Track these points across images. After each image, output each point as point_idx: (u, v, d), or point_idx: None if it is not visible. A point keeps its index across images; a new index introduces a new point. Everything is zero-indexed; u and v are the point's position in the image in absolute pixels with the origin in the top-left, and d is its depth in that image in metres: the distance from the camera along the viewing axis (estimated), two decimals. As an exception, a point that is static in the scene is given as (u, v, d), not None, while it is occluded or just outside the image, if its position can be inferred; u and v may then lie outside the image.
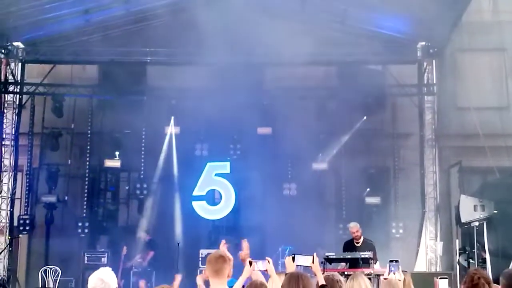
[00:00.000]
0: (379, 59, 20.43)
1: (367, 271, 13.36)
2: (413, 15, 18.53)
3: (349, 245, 15.65)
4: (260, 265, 7.76)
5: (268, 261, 7.73)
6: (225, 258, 6.94)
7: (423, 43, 20.46)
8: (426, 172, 20.27)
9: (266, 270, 7.83)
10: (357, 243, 15.48)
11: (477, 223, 17.12)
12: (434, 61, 20.66)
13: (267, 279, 7.93)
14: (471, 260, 17.10)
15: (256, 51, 19.64)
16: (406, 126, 21.22)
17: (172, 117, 20.96)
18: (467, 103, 19.51)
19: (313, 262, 7.50)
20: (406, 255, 19.21)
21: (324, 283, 7.22)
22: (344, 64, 20.45)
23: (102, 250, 20.26)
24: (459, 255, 17.96)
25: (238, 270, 7.86)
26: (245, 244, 10.97)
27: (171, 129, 20.96)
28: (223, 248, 8.70)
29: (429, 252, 19.67)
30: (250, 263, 7.64)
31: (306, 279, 6.82)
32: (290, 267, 7.48)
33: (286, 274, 7.27)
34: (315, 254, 7.65)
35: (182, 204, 20.77)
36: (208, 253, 9.16)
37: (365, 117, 20.61)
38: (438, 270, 18.91)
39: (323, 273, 7.74)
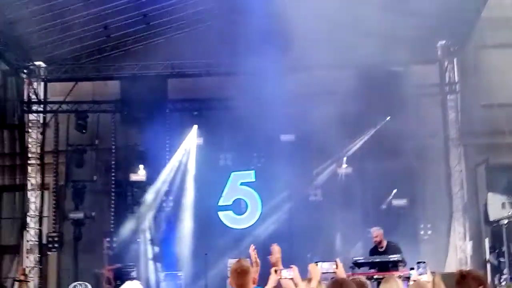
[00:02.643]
0: (400, 60, 20.31)
1: (396, 274, 13.25)
2: (431, 14, 18.42)
3: (374, 252, 15.44)
4: (285, 273, 7.71)
5: (293, 269, 7.69)
6: (247, 271, 6.93)
7: (443, 42, 20.33)
8: (452, 171, 20.13)
9: (292, 279, 7.78)
10: (381, 247, 15.21)
11: (506, 221, 16.94)
12: (455, 59, 20.54)
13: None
14: (501, 259, 16.95)
15: (277, 57, 19.60)
16: (430, 126, 21.06)
17: (195, 128, 20.97)
18: (491, 100, 19.35)
19: (337, 267, 7.45)
20: (435, 257, 19.02)
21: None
22: (365, 67, 20.37)
23: (131, 264, 20.26)
24: (489, 254, 17.80)
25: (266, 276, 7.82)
26: (276, 248, 10.93)
27: (194, 140, 20.97)
28: (252, 253, 8.64)
29: (458, 252, 19.50)
30: (276, 272, 7.60)
31: (350, 285, 6.75)
32: (315, 273, 7.43)
33: (309, 279, 7.23)
34: (338, 260, 7.59)
35: (208, 214, 20.77)
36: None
37: (388, 117, 20.47)
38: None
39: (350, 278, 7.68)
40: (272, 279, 7.51)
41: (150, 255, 20.77)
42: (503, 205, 17.13)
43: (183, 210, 20.92)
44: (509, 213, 17.00)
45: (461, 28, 18.80)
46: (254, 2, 18.88)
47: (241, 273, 6.95)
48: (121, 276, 18.42)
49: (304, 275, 7.75)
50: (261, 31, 17.60)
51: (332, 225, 19.49)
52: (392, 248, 15.03)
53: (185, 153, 21.15)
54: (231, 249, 20.33)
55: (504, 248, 16.91)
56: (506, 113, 19.16)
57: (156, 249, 20.82)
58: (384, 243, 15.21)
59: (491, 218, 17.23)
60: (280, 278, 7.62)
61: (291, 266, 7.59)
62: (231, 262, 18.85)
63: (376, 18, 19.30)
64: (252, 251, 8.42)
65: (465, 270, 6.49)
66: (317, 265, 7.64)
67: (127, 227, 20.82)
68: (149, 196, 21.07)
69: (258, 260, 7.65)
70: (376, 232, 15.21)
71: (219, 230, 20.74)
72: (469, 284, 6.25)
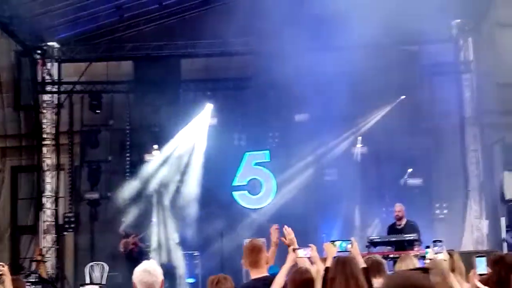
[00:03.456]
0: (414, 39, 20.18)
1: (412, 253, 13.25)
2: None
3: (392, 229, 15.54)
4: (302, 252, 7.70)
5: (312, 248, 7.67)
6: (260, 248, 6.95)
7: (458, 20, 20.18)
8: (468, 150, 20.05)
9: (310, 257, 7.77)
10: (399, 225, 15.34)
11: (522, 199, 16.89)
12: (470, 38, 20.39)
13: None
14: (518, 238, 16.90)
15: (291, 38, 19.51)
16: (445, 105, 20.93)
17: (209, 108, 20.94)
18: (506, 79, 19.19)
19: (352, 246, 7.43)
20: (451, 236, 18.97)
21: (365, 265, 7.15)
22: (380, 46, 20.25)
23: (148, 244, 20.35)
24: (505, 233, 17.74)
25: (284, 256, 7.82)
26: (288, 229, 10.89)
27: (208, 119, 20.94)
28: (274, 232, 8.59)
29: (475, 231, 19.45)
30: (294, 251, 7.59)
31: (353, 262, 6.78)
32: (331, 252, 7.42)
33: (325, 259, 7.22)
34: (353, 239, 7.58)
35: (223, 194, 20.80)
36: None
37: (403, 96, 20.37)
38: (485, 249, 18.69)
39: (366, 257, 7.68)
40: (290, 258, 7.50)
41: (167, 234, 20.81)
42: (519, 183, 17.06)
43: (192, 191, 20.92)
44: (526, 191, 16.93)
45: (476, 7, 18.64)
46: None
47: (253, 250, 6.97)
48: (139, 254, 18.63)
49: (320, 254, 7.73)
50: (275, 11, 17.52)
51: (348, 204, 19.49)
52: (410, 227, 15.12)
53: (197, 132, 21.06)
54: (246, 228, 20.40)
55: (521, 227, 16.86)
56: (522, 92, 19.01)
57: (173, 229, 20.85)
58: (404, 221, 15.31)
59: (507, 197, 17.15)
60: (297, 257, 7.61)
61: (310, 245, 7.57)
62: (246, 241, 18.92)
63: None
64: (273, 230, 8.38)
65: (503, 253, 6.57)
66: (333, 244, 7.62)
67: (144, 207, 20.88)
68: (161, 174, 21.11)
69: (277, 240, 7.63)
70: (399, 207, 15.44)
71: (234, 210, 20.79)
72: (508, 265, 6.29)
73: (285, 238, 7.78)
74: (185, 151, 21.09)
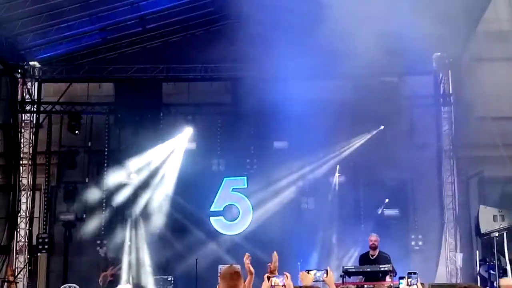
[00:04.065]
0: (394, 71, 20.34)
1: (386, 284, 13.28)
2: (427, 26, 18.44)
3: (365, 258, 15.57)
4: (277, 280, 7.68)
5: (287, 276, 7.66)
6: (239, 274, 6.90)
7: (438, 53, 20.39)
8: (444, 183, 20.16)
9: (284, 286, 7.75)
10: (372, 255, 15.39)
11: (497, 234, 16.97)
12: (450, 71, 20.60)
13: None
14: (491, 271, 16.96)
15: (272, 65, 19.62)
16: (424, 137, 21.05)
17: (188, 132, 20.92)
18: (484, 113, 19.38)
19: (326, 275, 7.42)
20: (426, 267, 19.05)
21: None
22: (360, 76, 20.38)
23: (120, 265, 20.18)
24: (479, 266, 17.81)
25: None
26: (276, 256, 10.87)
27: (187, 145, 20.92)
28: (247, 261, 8.58)
29: (449, 264, 19.52)
30: (268, 279, 7.57)
31: None
32: (306, 281, 7.41)
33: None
34: (329, 268, 7.58)
35: (200, 218, 20.74)
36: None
37: (382, 127, 20.49)
38: (458, 281, 18.74)
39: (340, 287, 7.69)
40: (264, 286, 7.48)
41: (140, 258, 20.67)
42: (494, 217, 17.13)
43: (168, 214, 20.87)
44: (500, 226, 17.01)
45: (457, 41, 18.82)
46: (250, 9, 18.89)
47: (232, 276, 6.92)
48: (114, 279, 18.48)
49: (295, 283, 7.72)
50: (258, 39, 17.63)
51: (325, 232, 19.49)
52: (383, 258, 15.18)
53: (173, 154, 21.03)
54: (221, 255, 20.33)
55: (495, 261, 16.92)
56: (500, 126, 19.20)
57: (146, 252, 20.72)
58: (377, 252, 15.35)
59: (482, 230, 17.23)
60: (272, 285, 7.59)
61: (285, 273, 7.56)
62: (222, 267, 18.85)
63: (372, 29, 19.35)
64: (246, 259, 8.36)
65: (467, 283, 6.55)
66: (308, 273, 7.62)
67: (118, 230, 20.75)
68: (138, 199, 21.04)
69: (252, 269, 7.61)
70: (375, 237, 15.52)
71: (211, 236, 20.73)
72: None
73: (272, 263, 7.77)
74: (159, 172, 21.01)
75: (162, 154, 20.97)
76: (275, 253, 7.91)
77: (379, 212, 20.28)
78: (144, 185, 21.02)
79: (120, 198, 20.92)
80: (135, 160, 20.69)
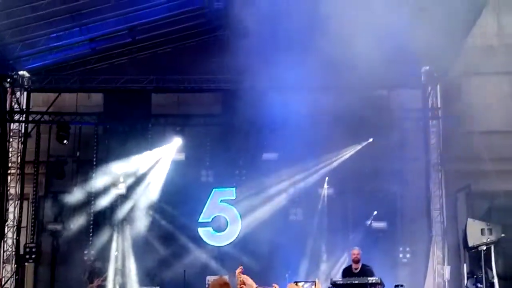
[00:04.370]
0: (384, 84, 20.42)
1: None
2: (416, 40, 18.54)
3: (348, 272, 15.60)
4: (266, 292, 7.70)
5: (275, 288, 7.68)
6: (228, 285, 6.90)
7: (427, 67, 20.50)
8: (432, 196, 20.21)
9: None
10: (356, 269, 15.42)
11: (484, 247, 17.01)
12: (438, 85, 20.70)
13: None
14: (479, 285, 17.00)
15: (262, 77, 19.67)
16: (413, 150, 21.13)
17: (177, 143, 20.92)
18: (472, 127, 19.48)
19: (315, 287, 7.44)
20: (414, 280, 19.11)
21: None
22: (350, 89, 20.44)
23: (106, 275, 20.13)
24: (467, 280, 17.85)
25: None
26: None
27: (176, 156, 20.92)
28: (239, 274, 8.54)
29: (436, 277, 19.54)
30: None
31: None
32: (295, 293, 7.42)
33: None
34: (317, 280, 7.61)
35: (188, 229, 20.73)
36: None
37: (371, 139, 20.55)
38: (446, 295, 18.82)
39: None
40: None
41: (126, 268, 20.63)
42: (482, 231, 17.18)
43: (156, 224, 20.87)
44: (488, 240, 17.06)
45: (445, 55, 18.91)
46: (240, 20, 18.93)
47: (223, 285, 6.91)
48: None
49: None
50: (247, 50, 17.65)
51: (312, 245, 19.49)
52: (366, 271, 15.22)
53: (160, 162, 21.03)
54: (209, 266, 20.32)
55: (482, 274, 16.96)
56: (488, 141, 19.30)
57: (133, 262, 20.68)
58: (360, 265, 15.40)
59: (470, 243, 17.28)
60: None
61: (274, 285, 7.58)
62: (210, 279, 18.83)
63: (362, 41, 19.43)
64: (238, 272, 8.34)
65: None
66: (296, 284, 7.64)
67: (105, 240, 20.72)
68: (125, 208, 21.02)
69: (245, 281, 7.63)
70: (357, 250, 15.54)
71: (199, 246, 20.71)
72: None
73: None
74: (145, 179, 21.01)
75: (149, 162, 20.97)
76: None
77: (369, 223, 20.31)
78: (131, 195, 21.00)
79: (108, 208, 20.92)
80: (121, 165, 20.67)
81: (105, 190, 20.96)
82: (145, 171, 20.99)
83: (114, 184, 20.82)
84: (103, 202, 21.03)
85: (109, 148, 21.47)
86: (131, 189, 20.94)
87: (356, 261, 15.65)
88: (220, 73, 20.43)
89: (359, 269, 15.52)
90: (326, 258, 20.09)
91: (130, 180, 20.89)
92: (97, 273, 19.85)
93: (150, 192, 21.04)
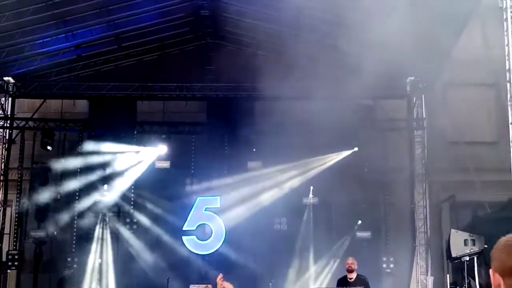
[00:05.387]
0: (369, 94, 20.46)
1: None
2: (402, 51, 18.61)
3: (343, 282, 15.57)
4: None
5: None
6: None
7: (412, 78, 20.59)
8: (416, 206, 20.26)
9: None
10: (350, 278, 15.41)
11: (467, 258, 17.05)
12: (423, 96, 20.78)
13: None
14: (462, 295, 17.03)
15: (248, 85, 19.72)
16: (397, 160, 21.20)
17: (162, 150, 20.87)
18: (457, 137, 19.56)
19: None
20: (397, 290, 19.14)
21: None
22: (335, 99, 20.47)
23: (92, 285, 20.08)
24: (450, 290, 17.89)
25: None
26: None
27: (161, 164, 20.86)
28: (219, 282, 8.55)
29: (420, 287, 19.59)
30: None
31: None
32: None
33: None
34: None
35: (172, 238, 20.67)
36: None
37: (356, 148, 20.59)
38: (429, 305, 18.84)
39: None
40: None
41: (110, 276, 20.55)
42: (465, 242, 17.21)
43: (140, 232, 20.84)
44: (471, 250, 17.09)
45: (431, 66, 19.00)
46: (225, 29, 18.96)
47: None
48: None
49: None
50: (231, 58, 17.68)
51: (296, 254, 19.48)
52: (361, 281, 15.18)
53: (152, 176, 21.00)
54: (193, 274, 20.25)
55: (465, 285, 17.00)
56: (472, 151, 19.38)
57: (114, 271, 20.61)
58: (354, 275, 15.38)
59: (453, 254, 17.31)
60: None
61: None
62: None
63: (348, 51, 19.51)
64: (219, 280, 8.34)
65: None
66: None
67: (88, 248, 20.65)
68: (108, 216, 20.98)
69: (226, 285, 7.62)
70: (352, 260, 15.50)
71: (183, 255, 20.65)
72: None
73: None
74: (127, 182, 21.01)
75: (130, 161, 20.91)
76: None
77: (355, 229, 20.32)
78: (114, 202, 20.98)
79: (90, 216, 20.81)
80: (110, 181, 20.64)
81: (89, 198, 20.87)
82: (126, 168, 20.88)
83: (100, 192, 20.75)
84: (87, 210, 20.92)
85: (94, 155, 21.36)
86: (114, 194, 20.86)
87: (350, 271, 15.61)
88: (205, 81, 20.46)
89: (353, 279, 15.50)
90: (311, 267, 20.07)
91: (112, 182, 20.80)
92: (67, 281, 19.77)
93: (133, 200, 20.99)
